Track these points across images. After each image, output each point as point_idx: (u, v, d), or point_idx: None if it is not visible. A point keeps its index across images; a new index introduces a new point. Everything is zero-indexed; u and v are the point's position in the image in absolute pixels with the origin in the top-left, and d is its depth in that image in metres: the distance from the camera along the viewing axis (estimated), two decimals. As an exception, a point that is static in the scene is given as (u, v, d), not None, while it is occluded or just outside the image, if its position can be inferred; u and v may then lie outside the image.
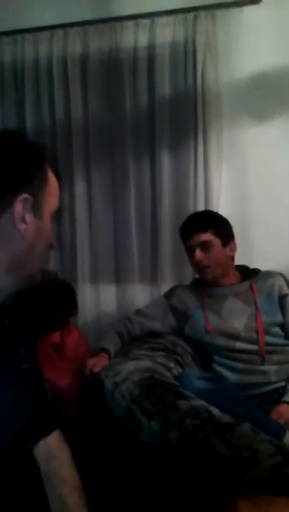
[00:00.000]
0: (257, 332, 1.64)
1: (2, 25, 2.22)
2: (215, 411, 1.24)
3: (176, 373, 1.54)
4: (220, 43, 2.07)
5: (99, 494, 1.03)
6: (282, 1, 2.04)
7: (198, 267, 1.74)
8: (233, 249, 1.77)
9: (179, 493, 1.20)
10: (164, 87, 2.12)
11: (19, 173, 0.73)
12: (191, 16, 2.07)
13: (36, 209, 0.74)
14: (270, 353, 1.63)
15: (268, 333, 1.64)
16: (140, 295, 2.22)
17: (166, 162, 2.15)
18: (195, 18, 2.06)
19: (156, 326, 1.78)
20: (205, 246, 1.69)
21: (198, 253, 1.70)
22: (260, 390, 1.60)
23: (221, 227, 1.73)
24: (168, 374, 1.47)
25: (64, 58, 2.18)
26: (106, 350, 1.63)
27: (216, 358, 1.69)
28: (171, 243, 2.16)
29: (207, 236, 1.69)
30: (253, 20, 2.06)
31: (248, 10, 2.05)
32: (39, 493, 0.79)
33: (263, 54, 2.07)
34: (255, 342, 1.64)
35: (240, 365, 1.64)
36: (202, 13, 2.06)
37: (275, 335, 1.66)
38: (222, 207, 2.08)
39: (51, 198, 0.78)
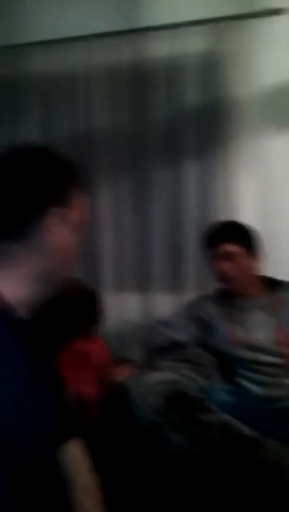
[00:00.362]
0: (281, 345, 1.62)
1: (29, 36, 2.26)
2: (240, 426, 1.23)
3: (201, 386, 1.53)
4: (245, 53, 2.07)
5: (119, 502, 1.03)
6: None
7: (222, 277, 1.73)
8: (259, 260, 1.75)
9: (201, 506, 1.19)
10: (189, 97, 2.13)
11: (48, 187, 0.76)
12: (217, 26, 2.08)
13: (64, 222, 0.77)
14: (296, 366, 1.60)
15: (292, 346, 1.62)
16: (163, 304, 2.23)
17: (190, 172, 2.16)
18: (221, 28, 2.07)
19: (180, 336, 1.78)
20: (230, 256, 1.68)
21: (223, 263, 1.69)
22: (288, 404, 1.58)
23: (247, 238, 1.72)
24: (193, 387, 1.47)
25: (90, 69, 2.21)
26: (130, 360, 1.64)
27: (239, 370, 1.67)
28: (194, 252, 2.16)
29: (233, 246, 1.68)
30: (278, 31, 2.05)
31: (273, 20, 2.04)
32: (63, 498, 0.80)
33: (288, 64, 2.06)
34: (280, 355, 1.61)
35: (264, 378, 1.62)
36: (228, 24, 2.06)
37: (300, 348, 1.63)
38: (247, 217, 2.07)
39: (78, 211, 0.81)
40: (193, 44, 2.11)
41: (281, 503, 1.02)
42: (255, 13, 2.04)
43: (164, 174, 2.21)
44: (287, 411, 1.56)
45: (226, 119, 2.09)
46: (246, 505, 1.05)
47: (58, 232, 0.75)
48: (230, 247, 1.68)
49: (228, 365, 1.75)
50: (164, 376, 1.46)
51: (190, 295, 2.15)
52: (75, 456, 0.90)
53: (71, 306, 1.87)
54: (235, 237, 1.69)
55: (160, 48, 2.15)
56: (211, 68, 2.11)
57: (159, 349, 1.75)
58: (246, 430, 1.22)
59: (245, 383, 1.64)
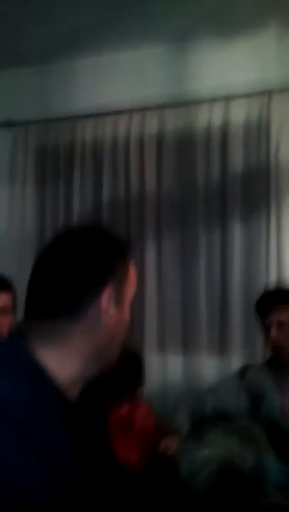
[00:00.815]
0: None
1: (85, 107, 2.42)
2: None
3: (253, 464, 1.45)
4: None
5: None
6: None
7: (274, 346, 1.68)
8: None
9: None
10: (237, 162, 2.19)
11: (103, 266, 0.76)
12: (265, 95, 2.15)
13: (119, 300, 0.76)
14: None
15: None
16: (208, 367, 2.19)
17: (237, 233, 2.18)
18: (269, 97, 2.14)
19: (229, 406, 1.71)
20: (283, 325, 1.64)
21: (275, 332, 1.65)
22: None
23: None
24: (245, 466, 1.39)
25: (141, 137, 2.33)
26: (177, 431, 1.59)
27: (294, 446, 1.58)
28: (241, 314, 2.14)
29: (286, 315, 1.64)
30: None
31: None
32: None
33: None
34: None
35: None
36: (276, 93, 2.12)
37: None
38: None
39: (131, 287, 0.81)
40: (241, 113, 2.18)
41: None
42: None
43: (210, 235, 2.23)
44: None
45: (274, 183, 2.11)
46: None
47: (114, 310, 0.75)
48: (283, 315, 1.64)
49: (281, 439, 1.66)
50: (215, 453, 1.40)
51: (236, 359, 2.11)
52: None
53: (117, 369, 1.86)
54: (287, 304, 1.65)
55: (207, 117, 2.24)
56: (257, 135, 2.18)
57: (207, 419, 1.68)
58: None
59: (300, 461, 1.55)
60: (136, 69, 2.40)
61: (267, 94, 2.14)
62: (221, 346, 2.19)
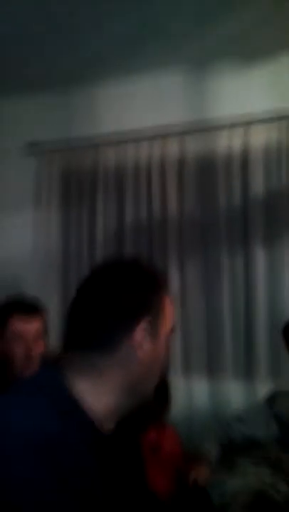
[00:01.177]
0: None
1: (107, 132, 2.46)
2: None
3: (285, 495, 1.44)
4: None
5: None
6: None
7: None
8: None
9: None
10: (258, 187, 2.20)
11: (140, 302, 0.78)
12: (284, 120, 2.17)
13: (154, 334, 0.77)
14: None
15: None
16: (234, 391, 2.17)
17: (259, 257, 2.18)
18: (286, 122, 2.16)
19: (258, 434, 1.71)
20: (310, 351, 1.64)
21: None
22: None
23: None
24: (278, 496, 1.38)
25: (162, 161, 2.35)
26: (207, 460, 1.58)
27: None
28: (266, 338, 2.14)
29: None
30: None
31: None
32: None
33: None
34: None
35: None
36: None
37: None
38: None
39: (167, 321, 0.81)
40: (262, 137, 2.20)
41: None
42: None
43: (233, 259, 2.23)
44: None
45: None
46: None
47: (148, 344, 0.76)
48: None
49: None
50: (247, 483, 1.40)
51: (262, 384, 2.09)
52: None
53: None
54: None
55: (228, 142, 2.26)
56: (278, 159, 2.19)
57: (237, 447, 1.68)
58: None
59: None
60: (157, 94, 2.44)
61: (286, 118, 2.16)
62: (247, 371, 2.17)
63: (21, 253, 2.55)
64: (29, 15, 1.90)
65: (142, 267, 0.85)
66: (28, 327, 1.44)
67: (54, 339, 2.28)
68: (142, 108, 2.46)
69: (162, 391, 1.95)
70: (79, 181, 2.51)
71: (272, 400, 1.79)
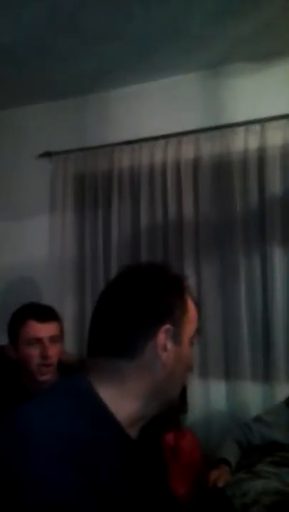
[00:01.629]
0: None
1: (122, 135, 2.48)
2: None
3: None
4: None
5: None
6: None
7: None
8: None
9: None
10: (275, 186, 2.18)
11: (162, 305, 0.77)
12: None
13: (177, 337, 0.77)
14: None
15: None
16: (252, 394, 2.15)
17: (277, 258, 2.15)
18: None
19: (278, 436, 1.68)
20: None
21: None
22: None
23: None
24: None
25: (177, 163, 2.35)
26: (226, 462, 1.56)
27: None
28: (285, 339, 2.11)
29: None
30: None
31: None
32: None
33: None
34: None
35: None
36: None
37: None
38: None
39: (191, 324, 0.81)
40: (278, 136, 2.19)
41: None
42: None
43: (250, 260, 2.21)
44: None
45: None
46: None
47: (172, 348, 0.76)
48: None
49: None
50: (267, 485, 1.37)
51: (281, 386, 2.07)
52: None
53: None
54: None
55: (243, 141, 2.25)
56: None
57: (257, 449, 1.66)
58: None
59: None
60: (171, 95, 2.46)
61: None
62: (265, 373, 2.14)
63: (37, 258, 2.58)
64: (42, 21, 1.93)
65: (164, 271, 0.85)
66: (43, 331, 1.45)
67: (71, 344, 2.30)
68: (156, 111, 2.47)
69: (180, 394, 1.94)
70: (94, 185, 2.53)
71: (292, 401, 1.76)
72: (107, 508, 0.61)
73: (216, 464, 1.58)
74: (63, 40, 2.09)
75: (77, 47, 2.15)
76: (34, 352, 1.44)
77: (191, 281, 2.25)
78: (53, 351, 1.46)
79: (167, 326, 0.75)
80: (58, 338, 1.51)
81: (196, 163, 2.33)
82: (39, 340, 1.44)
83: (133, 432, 0.75)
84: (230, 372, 2.20)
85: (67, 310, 2.43)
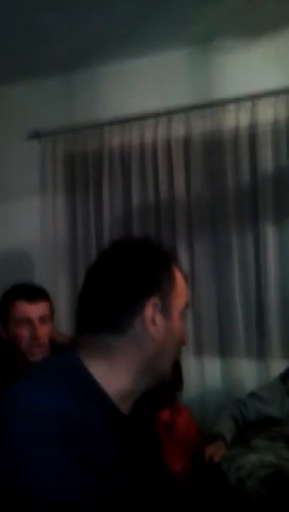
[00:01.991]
0: None
1: (111, 114, 2.43)
2: None
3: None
4: None
5: None
6: None
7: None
8: None
9: None
10: (267, 163, 2.16)
11: (148, 278, 0.76)
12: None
13: (165, 310, 0.76)
14: None
15: None
16: (247, 370, 2.17)
17: (270, 236, 2.15)
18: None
19: (274, 411, 1.70)
20: None
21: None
22: None
23: None
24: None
25: (168, 141, 2.32)
26: (222, 437, 1.58)
27: None
28: (279, 316, 2.12)
29: None
30: None
31: None
32: None
33: None
34: None
35: None
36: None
37: None
38: None
39: (179, 297, 0.80)
40: (269, 113, 2.16)
41: None
42: None
43: (243, 239, 2.21)
44: None
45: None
46: None
47: (161, 322, 0.75)
48: None
49: None
50: (262, 458, 1.39)
51: (274, 362, 2.08)
52: None
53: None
54: None
55: (234, 118, 2.22)
56: (287, 134, 2.15)
57: (251, 424, 1.68)
58: None
59: None
60: (160, 73, 2.41)
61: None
62: (259, 350, 2.16)
63: (29, 239, 2.55)
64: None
65: (150, 245, 0.84)
66: (32, 311, 1.44)
67: (64, 325, 2.30)
68: (145, 88, 2.42)
69: (174, 371, 1.95)
70: (84, 165, 2.49)
71: (285, 376, 1.78)
72: (102, 490, 0.60)
73: (212, 439, 1.60)
74: (46, 16, 2.02)
75: (61, 23, 2.08)
76: (24, 332, 1.42)
77: (184, 260, 2.26)
78: (43, 331, 1.45)
79: (155, 300, 0.74)
80: (48, 318, 1.49)
81: (187, 141, 2.30)
82: (29, 321, 1.43)
83: (125, 408, 0.74)
84: (224, 350, 2.21)
85: (61, 291, 2.42)
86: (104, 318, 0.74)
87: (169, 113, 2.32)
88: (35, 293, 1.49)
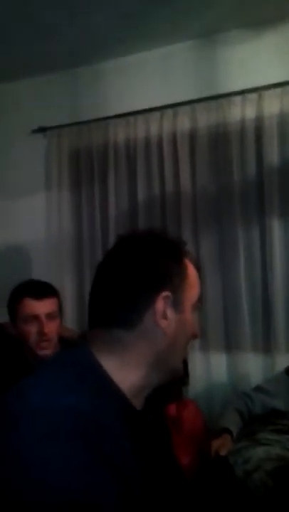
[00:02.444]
0: None
1: (116, 108, 2.42)
2: None
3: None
4: None
5: None
6: None
7: None
8: None
9: None
10: (273, 156, 2.14)
11: (158, 272, 0.75)
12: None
13: (177, 304, 0.74)
14: None
15: None
16: (253, 365, 2.16)
17: (276, 229, 2.13)
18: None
19: (279, 404, 1.70)
20: None
21: None
22: None
23: None
24: (301, 464, 1.38)
25: (173, 135, 2.31)
26: (228, 431, 1.58)
27: None
28: (285, 310, 2.11)
29: None
30: None
31: None
32: None
33: None
34: None
35: None
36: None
37: None
38: None
39: (192, 290, 0.78)
40: (275, 105, 2.13)
41: None
42: None
43: (249, 232, 2.19)
44: None
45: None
46: None
47: (172, 316, 0.73)
48: None
49: None
50: (269, 451, 1.39)
51: (281, 356, 2.08)
52: None
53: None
54: None
55: (240, 111, 2.20)
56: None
57: (258, 417, 1.68)
58: None
59: None
60: (165, 66, 2.39)
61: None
62: (265, 344, 2.15)
63: (35, 235, 2.55)
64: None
65: (159, 237, 0.82)
66: (39, 308, 1.45)
67: (71, 320, 2.30)
68: (150, 82, 2.41)
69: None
70: (89, 160, 2.48)
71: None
72: (119, 487, 0.59)
73: (218, 433, 1.60)
74: (50, 12, 2.00)
75: (64, 18, 2.07)
76: (32, 329, 1.44)
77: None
78: (51, 328, 1.46)
79: (166, 293, 0.73)
80: (56, 314, 1.50)
81: (192, 135, 2.29)
82: (36, 318, 1.44)
83: (137, 403, 0.74)
84: (230, 344, 2.21)
85: (67, 287, 2.42)
86: (114, 313, 0.74)
87: (174, 106, 2.30)
88: (43, 290, 1.50)
